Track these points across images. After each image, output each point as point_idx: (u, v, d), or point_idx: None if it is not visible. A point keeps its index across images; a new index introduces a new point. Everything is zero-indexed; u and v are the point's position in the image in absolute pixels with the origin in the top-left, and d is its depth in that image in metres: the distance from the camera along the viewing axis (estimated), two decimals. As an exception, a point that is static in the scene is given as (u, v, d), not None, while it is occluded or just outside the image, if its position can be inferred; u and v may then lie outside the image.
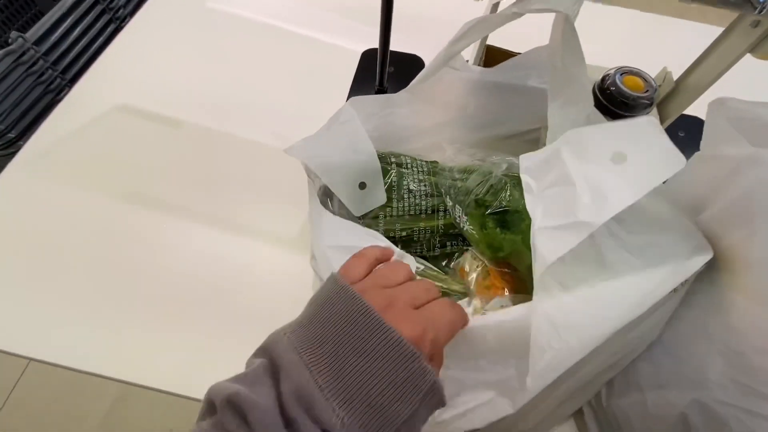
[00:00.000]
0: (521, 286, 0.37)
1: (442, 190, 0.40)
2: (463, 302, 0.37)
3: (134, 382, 0.40)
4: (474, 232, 0.37)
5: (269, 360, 0.22)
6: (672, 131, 0.56)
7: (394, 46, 0.68)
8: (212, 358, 0.43)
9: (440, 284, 0.40)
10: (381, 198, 0.42)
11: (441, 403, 0.22)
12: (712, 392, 0.30)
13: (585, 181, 0.26)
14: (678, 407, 0.31)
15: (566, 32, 0.29)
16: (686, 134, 0.65)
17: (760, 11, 0.28)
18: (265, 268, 0.48)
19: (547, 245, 0.25)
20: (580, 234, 0.24)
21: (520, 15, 0.30)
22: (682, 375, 0.32)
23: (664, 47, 0.59)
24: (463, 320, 0.27)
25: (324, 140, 0.38)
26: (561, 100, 0.32)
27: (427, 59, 0.68)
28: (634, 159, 0.26)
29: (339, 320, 0.22)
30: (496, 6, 0.40)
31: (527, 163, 0.30)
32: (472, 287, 0.39)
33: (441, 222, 0.44)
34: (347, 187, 0.40)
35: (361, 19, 0.70)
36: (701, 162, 0.34)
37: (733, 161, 0.31)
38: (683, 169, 0.38)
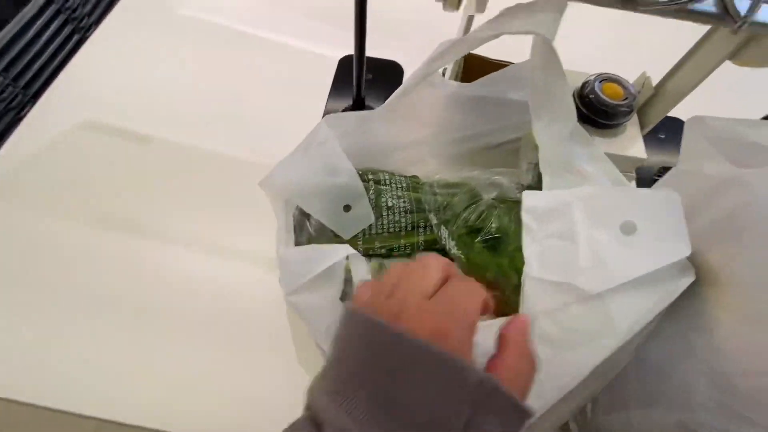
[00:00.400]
0: (505, 308, 0.36)
1: (426, 207, 0.39)
2: None
3: (109, 419, 0.39)
4: (461, 255, 0.36)
5: (310, 413, 0.21)
6: (653, 133, 0.56)
7: (372, 52, 0.66)
8: (190, 388, 0.42)
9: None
10: (368, 218, 0.40)
11: (510, 404, 0.19)
12: (697, 414, 0.29)
13: (588, 244, 0.25)
14: (663, 428, 0.31)
15: (546, 53, 0.28)
16: (667, 136, 0.65)
17: (740, 26, 0.28)
18: (245, 292, 0.47)
19: (537, 296, 0.24)
20: (570, 296, 0.23)
21: (497, 36, 0.29)
22: (668, 394, 0.32)
23: (646, 48, 0.59)
24: (484, 297, 0.23)
25: (300, 164, 0.37)
26: (546, 119, 0.31)
27: (407, 65, 0.67)
28: (643, 234, 0.26)
29: (359, 349, 0.21)
30: (471, 19, 0.39)
31: (531, 203, 0.28)
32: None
33: (421, 238, 0.43)
34: (329, 211, 0.39)
35: (339, 24, 0.68)
36: (679, 177, 0.34)
37: (713, 180, 0.30)
38: (665, 181, 0.38)
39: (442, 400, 0.18)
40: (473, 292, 0.22)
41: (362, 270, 0.31)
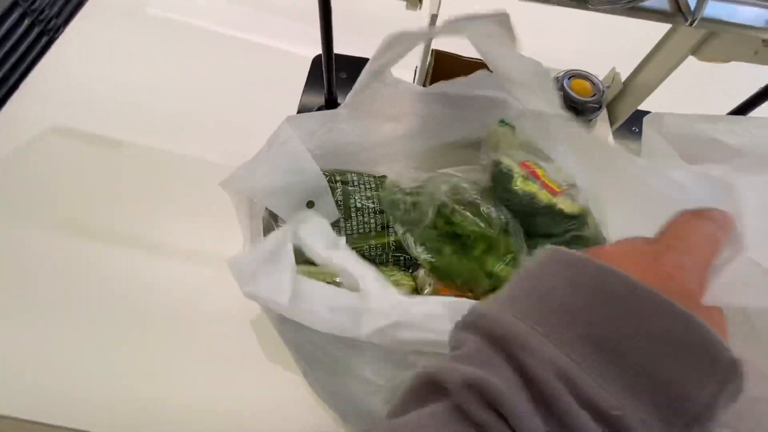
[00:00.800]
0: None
1: (390, 215, 0.39)
2: None
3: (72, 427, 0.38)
4: (429, 260, 0.36)
5: (490, 337, 0.18)
6: (626, 127, 0.56)
7: (347, 49, 0.66)
8: (162, 393, 0.41)
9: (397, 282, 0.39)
10: (333, 214, 0.40)
11: (739, 389, 0.16)
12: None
13: None
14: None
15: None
16: (640, 129, 0.66)
17: (691, 23, 0.28)
18: (220, 296, 0.46)
19: None
20: None
21: (450, 34, 0.28)
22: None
23: (616, 45, 0.59)
24: (722, 237, 0.19)
25: (263, 165, 0.37)
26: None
27: (382, 62, 0.66)
28: None
29: (568, 284, 0.18)
30: (434, 18, 0.39)
31: None
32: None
33: (392, 239, 0.43)
34: (294, 209, 0.39)
35: (312, 22, 0.67)
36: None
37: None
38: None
39: (686, 369, 0.15)
40: (710, 233, 0.19)
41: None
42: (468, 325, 0.19)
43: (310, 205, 0.40)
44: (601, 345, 0.16)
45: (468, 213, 0.35)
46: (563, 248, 0.19)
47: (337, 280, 0.36)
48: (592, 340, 0.16)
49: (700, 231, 0.19)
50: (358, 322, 0.29)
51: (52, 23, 0.67)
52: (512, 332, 0.17)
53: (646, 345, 0.16)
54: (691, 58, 0.41)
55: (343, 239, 0.34)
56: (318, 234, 0.35)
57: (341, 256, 0.33)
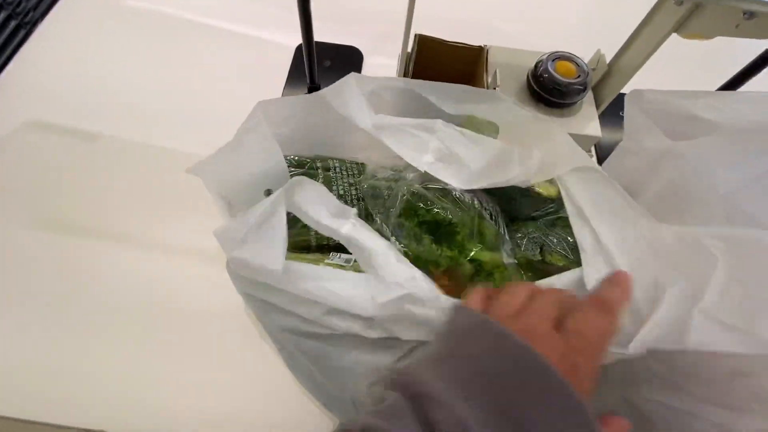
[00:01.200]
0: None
1: (368, 203, 0.38)
2: None
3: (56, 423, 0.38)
4: (406, 250, 0.36)
5: (407, 394, 0.20)
6: (613, 111, 0.56)
7: (331, 38, 0.65)
8: (143, 388, 0.41)
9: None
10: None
11: None
12: (640, 389, 0.29)
13: None
14: (607, 405, 0.31)
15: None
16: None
17: (680, 2, 0.27)
18: (199, 289, 0.46)
19: None
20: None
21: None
22: (613, 372, 0.32)
23: (601, 27, 0.58)
24: (614, 329, 0.23)
25: (234, 153, 0.36)
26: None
27: (366, 50, 0.65)
28: None
29: (488, 356, 0.20)
30: (413, 1, 0.38)
31: None
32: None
33: (375, 225, 0.42)
34: (253, 198, 0.37)
35: (295, 9, 0.67)
36: (624, 154, 0.33)
37: (652, 154, 0.30)
38: (610, 160, 0.38)
39: None
40: (604, 329, 0.22)
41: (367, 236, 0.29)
42: (392, 383, 0.21)
43: (268, 193, 0.38)
44: (507, 414, 0.18)
45: (442, 199, 0.34)
46: (489, 319, 0.22)
47: (336, 261, 0.35)
48: (500, 408, 0.18)
49: (595, 326, 0.22)
50: (368, 291, 0.27)
51: (29, 16, 0.65)
52: (427, 391, 0.19)
53: (548, 425, 0.18)
54: (675, 38, 0.40)
55: (354, 209, 0.31)
56: (319, 201, 0.31)
57: (350, 226, 0.30)
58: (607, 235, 0.28)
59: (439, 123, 0.34)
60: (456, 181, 0.32)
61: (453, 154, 0.33)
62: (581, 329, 0.22)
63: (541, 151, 0.32)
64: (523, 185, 0.32)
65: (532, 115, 0.34)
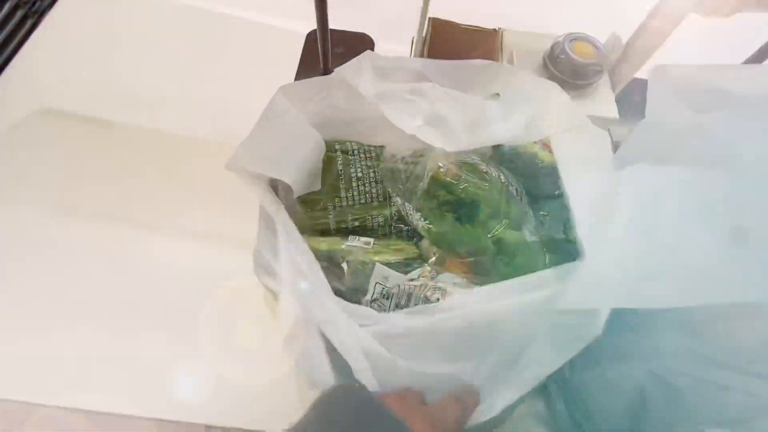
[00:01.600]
0: (486, 277, 0.36)
1: (389, 185, 0.38)
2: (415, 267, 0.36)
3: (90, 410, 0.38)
4: (430, 228, 0.35)
5: None
6: (626, 96, 0.55)
7: (341, 24, 0.65)
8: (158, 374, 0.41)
9: (398, 254, 0.38)
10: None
11: None
12: (668, 362, 0.30)
13: None
14: (635, 379, 0.31)
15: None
16: (641, 98, 0.65)
17: None
18: (220, 276, 0.46)
19: None
20: None
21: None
22: (639, 346, 0.32)
23: (617, 9, 0.58)
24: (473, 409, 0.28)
25: (265, 139, 0.36)
26: None
27: (377, 36, 0.65)
28: None
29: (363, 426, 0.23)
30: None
31: None
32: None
33: (394, 209, 0.42)
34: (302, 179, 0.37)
35: (305, -4, 0.67)
36: (646, 130, 0.33)
37: (676, 129, 0.30)
38: (631, 137, 0.38)
39: None
40: (461, 404, 0.27)
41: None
42: None
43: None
44: None
45: (470, 174, 0.34)
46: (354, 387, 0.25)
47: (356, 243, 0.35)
48: None
49: (454, 415, 0.27)
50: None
51: (37, 6, 0.65)
52: None
53: None
54: (693, 18, 0.40)
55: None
56: None
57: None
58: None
59: (428, 85, 0.34)
60: (442, 142, 0.33)
61: (441, 116, 0.34)
62: (443, 415, 0.26)
63: (532, 110, 0.32)
64: (512, 143, 0.32)
65: (530, 78, 0.34)
